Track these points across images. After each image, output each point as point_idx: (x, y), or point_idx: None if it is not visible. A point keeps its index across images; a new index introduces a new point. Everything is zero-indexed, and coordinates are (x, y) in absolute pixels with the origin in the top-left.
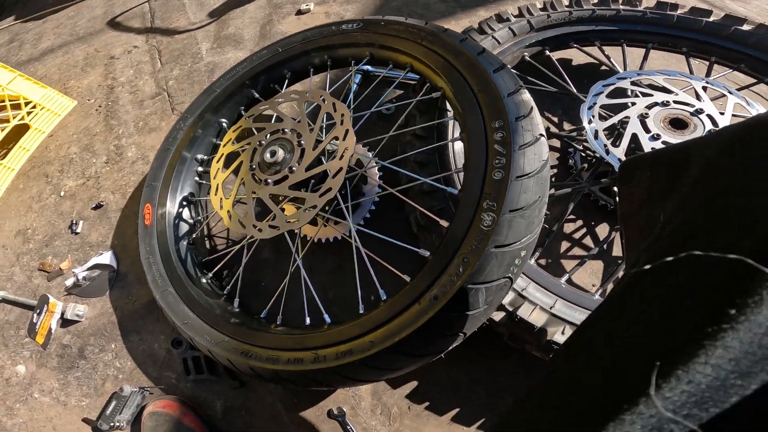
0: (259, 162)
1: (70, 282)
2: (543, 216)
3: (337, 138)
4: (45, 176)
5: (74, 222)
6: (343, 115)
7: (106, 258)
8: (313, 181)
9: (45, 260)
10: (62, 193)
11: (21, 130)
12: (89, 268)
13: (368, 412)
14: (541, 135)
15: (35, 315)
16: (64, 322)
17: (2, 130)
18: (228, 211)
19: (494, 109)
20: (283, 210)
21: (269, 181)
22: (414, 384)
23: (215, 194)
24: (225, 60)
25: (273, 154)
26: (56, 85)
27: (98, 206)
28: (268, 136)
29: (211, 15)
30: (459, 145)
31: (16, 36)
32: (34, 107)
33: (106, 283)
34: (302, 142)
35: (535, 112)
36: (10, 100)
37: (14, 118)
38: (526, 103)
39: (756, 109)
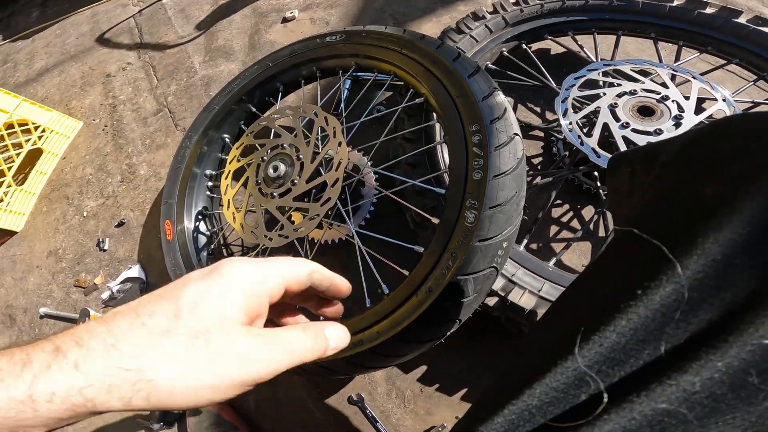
0: (264, 177)
1: (105, 295)
2: (522, 208)
3: (332, 150)
4: (66, 198)
5: (101, 240)
6: (335, 128)
7: (135, 271)
8: (314, 191)
9: (79, 277)
10: (85, 214)
11: (35, 154)
12: (121, 282)
13: (384, 397)
14: (516, 134)
15: None
16: None
17: (17, 156)
18: (241, 224)
19: (471, 113)
20: (291, 217)
21: (275, 194)
22: (424, 368)
23: (227, 209)
24: (219, 73)
25: (275, 169)
26: (59, 106)
27: (121, 224)
28: (269, 151)
29: (199, 27)
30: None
31: (8, 57)
32: (43, 131)
33: (138, 295)
34: (301, 156)
35: (509, 112)
36: (19, 126)
37: (26, 143)
38: (500, 104)
39: (720, 92)
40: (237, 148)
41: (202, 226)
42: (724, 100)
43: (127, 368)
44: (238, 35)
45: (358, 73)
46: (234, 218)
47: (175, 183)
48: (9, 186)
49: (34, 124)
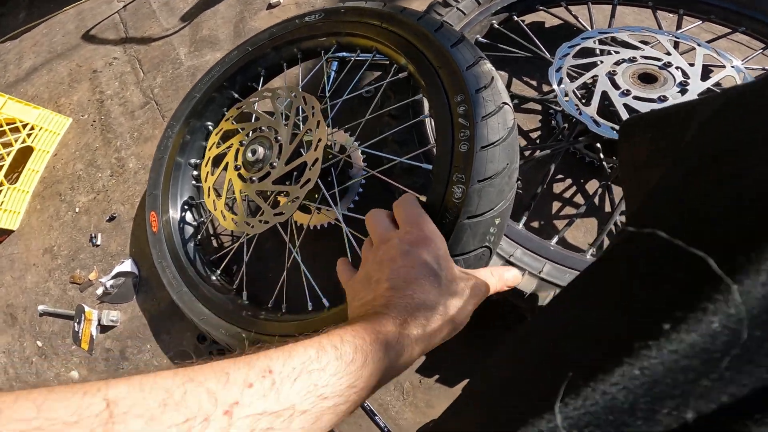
0: (243, 161)
1: (100, 291)
2: (515, 182)
3: (311, 129)
4: (58, 195)
5: (93, 235)
6: (313, 107)
7: (128, 266)
8: (296, 173)
9: (74, 273)
10: (77, 210)
11: (26, 152)
12: (114, 277)
13: (382, 389)
14: (505, 103)
15: (75, 324)
16: (103, 328)
17: (8, 155)
18: (221, 212)
19: (455, 83)
20: (278, 204)
21: (254, 179)
22: (422, 359)
23: (208, 197)
24: (204, 63)
25: (254, 152)
26: (48, 104)
27: (112, 218)
28: (249, 135)
29: (183, 19)
30: None
31: None
32: (32, 129)
33: (132, 289)
34: (279, 138)
35: (497, 81)
36: (7, 124)
37: (15, 141)
38: (487, 74)
39: (728, 59)
40: (216, 134)
41: (189, 217)
42: (732, 67)
43: (439, 312)
44: (223, 24)
45: (341, 53)
46: (215, 206)
47: (159, 174)
48: (2, 185)
49: (22, 122)
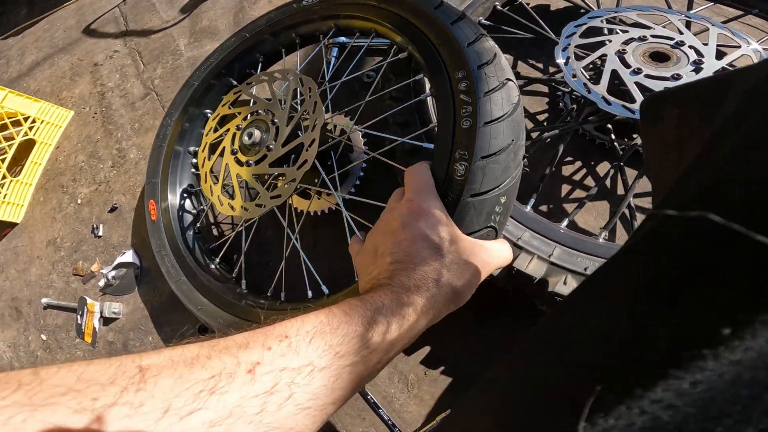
0: (240, 146)
1: (102, 283)
2: (521, 159)
3: (308, 111)
4: (61, 187)
5: (95, 226)
6: (310, 88)
7: (129, 256)
8: (293, 156)
9: (77, 265)
10: (79, 201)
11: (28, 145)
12: (115, 268)
13: (386, 381)
14: (509, 79)
15: (78, 317)
16: (105, 321)
17: (10, 148)
18: (218, 197)
19: (456, 60)
20: (276, 187)
21: (251, 162)
22: (427, 350)
23: (205, 182)
24: (204, 53)
25: (250, 135)
26: (50, 97)
27: (113, 209)
28: (247, 118)
29: (183, 11)
30: None
31: (1, 54)
32: (34, 122)
33: (134, 280)
34: (276, 120)
35: (500, 58)
36: (8, 117)
37: (18, 134)
38: (489, 50)
39: (746, 39)
40: (213, 120)
41: (188, 204)
42: (750, 47)
43: (442, 285)
44: (222, 15)
45: (340, 38)
46: (212, 191)
47: (158, 162)
48: (5, 178)
49: (23, 115)
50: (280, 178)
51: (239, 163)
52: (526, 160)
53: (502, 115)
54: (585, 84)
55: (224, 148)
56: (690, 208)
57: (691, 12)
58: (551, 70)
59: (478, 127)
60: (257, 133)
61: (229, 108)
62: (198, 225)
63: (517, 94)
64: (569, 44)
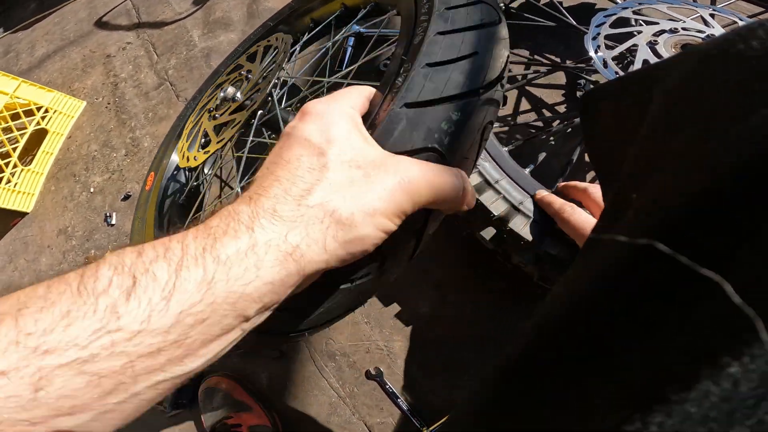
0: (216, 104)
1: None
2: (494, 78)
3: (277, 64)
4: (73, 176)
5: (108, 215)
6: (284, 41)
7: None
8: (261, 111)
9: (89, 254)
10: (92, 190)
11: (40, 135)
12: None
13: (404, 370)
14: (484, 2)
15: None
16: None
17: (22, 137)
18: (183, 152)
19: None
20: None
21: (217, 115)
22: (443, 341)
23: (180, 142)
24: (218, 44)
25: (224, 91)
26: (62, 88)
27: (126, 197)
28: (230, 80)
29: (196, 2)
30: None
31: (10, 47)
32: (46, 111)
33: None
34: (250, 76)
35: None
36: (21, 107)
37: (29, 124)
38: None
39: None
40: (214, 88)
41: (182, 176)
42: None
43: (311, 205)
44: (236, 6)
45: (359, 29)
46: (180, 147)
47: (170, 138)
48: (16, 167)
49: (36, 104)
50: (231, 124)
51: (212, 118)
52: (506, 96)
53: (465, 26)
54: (616, 72)
55: (204, 106)
56: (636, 234)
57: (717, 6)
58: (567, 62)
59: (427, 36)
60: (231, 89)
61: (224, 76)
62: (184, 194)
63: (495, 15)
64: (599, 33)
